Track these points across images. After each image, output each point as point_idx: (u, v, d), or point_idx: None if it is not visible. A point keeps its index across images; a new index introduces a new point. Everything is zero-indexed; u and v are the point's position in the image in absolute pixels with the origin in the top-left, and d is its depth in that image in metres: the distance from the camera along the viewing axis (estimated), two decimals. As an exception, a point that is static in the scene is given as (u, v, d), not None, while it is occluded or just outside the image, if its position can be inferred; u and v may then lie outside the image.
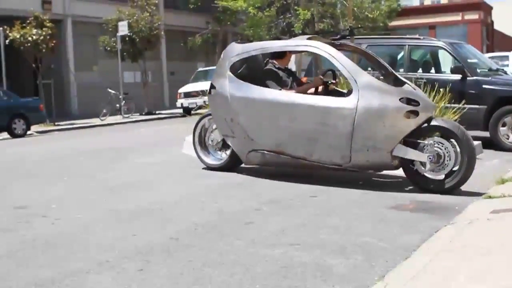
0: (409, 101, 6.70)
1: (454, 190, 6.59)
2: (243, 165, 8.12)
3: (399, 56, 12.25)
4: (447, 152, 6.61)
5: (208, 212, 5.68)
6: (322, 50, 7.31)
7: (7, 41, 22.04)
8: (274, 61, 8.04)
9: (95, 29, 27.42)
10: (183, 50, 32.28)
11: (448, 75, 11.01)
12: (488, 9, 37.91)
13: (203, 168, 8.30)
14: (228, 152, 8.12)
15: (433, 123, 6.73)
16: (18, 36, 21.83)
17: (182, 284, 3.70)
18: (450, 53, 11.18)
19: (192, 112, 21.07)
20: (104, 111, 23.56)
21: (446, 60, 11.70)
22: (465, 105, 9.68)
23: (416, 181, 6.84)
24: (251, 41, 20.08)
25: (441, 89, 9.33)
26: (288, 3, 9.67)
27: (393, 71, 7.79)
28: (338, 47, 7.75)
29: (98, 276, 3.88)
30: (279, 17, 9.54)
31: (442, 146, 6.63)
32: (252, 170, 8.05)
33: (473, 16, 34.93)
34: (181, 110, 24.61)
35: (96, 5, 28.51)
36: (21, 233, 5.07)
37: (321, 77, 7.85)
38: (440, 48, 11.49)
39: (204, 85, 23.53)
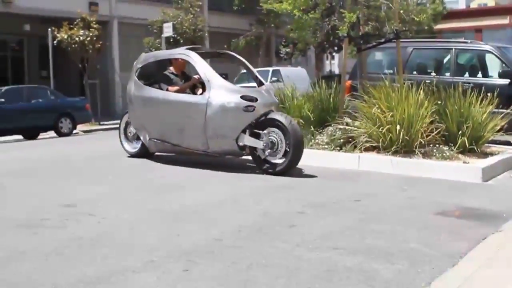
0: (249, 98, 8.06)
1: (285, 172, 7.83)
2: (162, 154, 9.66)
3: (445, 60, 12.08)
4: (280, 141, 7.86)
5: (252, 214, 5.69)
6: (190, 57, 8.87)
7: (55, 42, 22.48)
8: (171, 67, 9.48)
9: (140, 30, 27.73)
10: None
11: (495, 80, 10.82)
12: (537, 12, 37.03)
13: (247, 171, 8.34)
14: (141, 142, 9.68)
15: (269, 116, 8.01)
16: (65, 37, 22.26)
17: (227, 285, 3.72)
18: (497, 57, 10.99)
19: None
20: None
21: (493, 64, 11.49)
22: (514, 110, 9.48)
23: (258, 164, 8.15)
24: (295, 44, 20.12)
25: (488, 94, 9.18)
26: (333, 5, 9.63)
27: (257, 75, 9.12)
28: (221, 56, 9.89)
29: (143, 275, 3.91)
30: (324, 20, 9.52)
31: (276, 135, 7.87)
32: (296, 173, 8.05)
33: (521, 19, 34.14)
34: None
35: (141, 7, 28.85)
36: (69, 231, 5.15)
37: (198, 76, 8.92)
38: (487, 52, 11.31)
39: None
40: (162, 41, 25.22)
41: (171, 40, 25.33)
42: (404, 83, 9.12)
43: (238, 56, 9.69)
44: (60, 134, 19.30)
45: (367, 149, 8.71)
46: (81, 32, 22.44)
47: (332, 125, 9.42)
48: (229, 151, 8.37)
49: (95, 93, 23.21)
